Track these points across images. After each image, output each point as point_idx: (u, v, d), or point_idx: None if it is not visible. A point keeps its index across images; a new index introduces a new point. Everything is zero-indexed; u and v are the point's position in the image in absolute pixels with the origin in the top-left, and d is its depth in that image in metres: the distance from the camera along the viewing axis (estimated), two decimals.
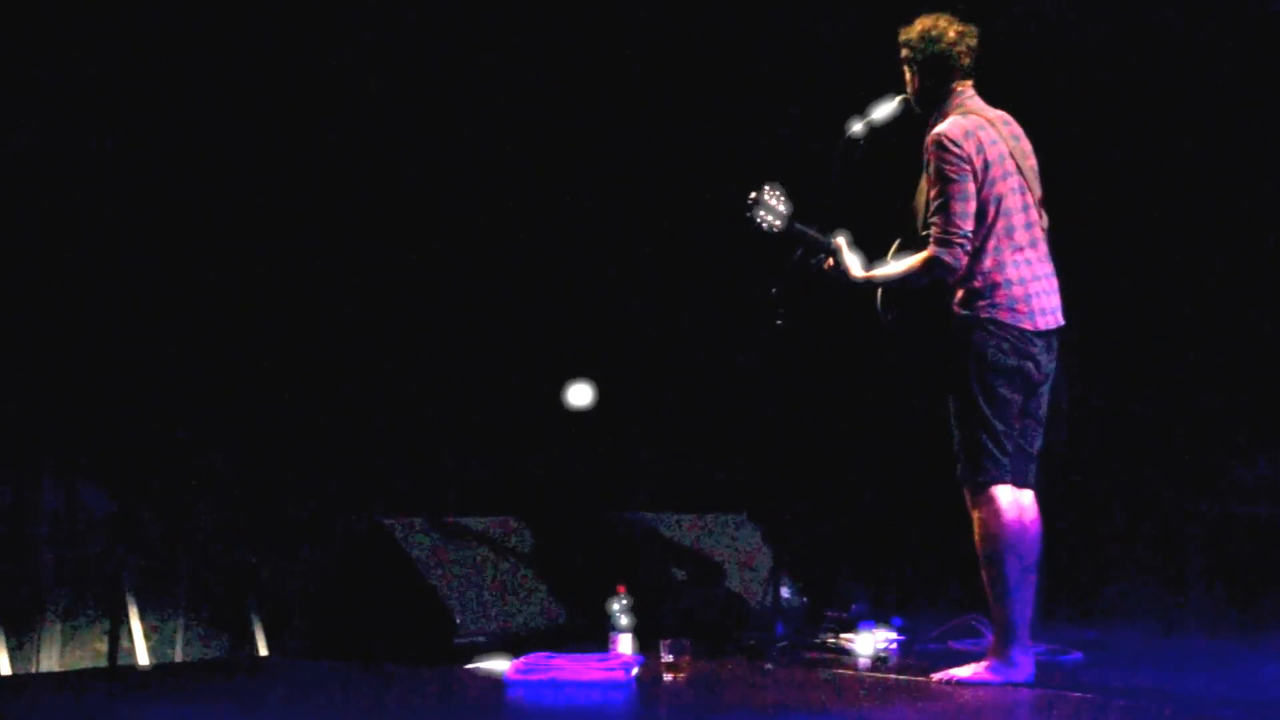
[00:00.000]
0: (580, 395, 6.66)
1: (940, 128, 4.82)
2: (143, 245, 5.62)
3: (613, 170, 6.98)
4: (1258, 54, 6.87)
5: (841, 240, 5.01)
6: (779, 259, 5.13)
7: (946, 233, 4.71)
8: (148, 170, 5.64)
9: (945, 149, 4.76)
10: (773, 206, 4.97)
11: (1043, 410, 4.86)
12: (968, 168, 4.74)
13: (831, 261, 5.00)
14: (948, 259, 4.71)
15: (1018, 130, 4.93)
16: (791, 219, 4.99)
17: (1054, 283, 4.86)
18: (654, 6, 6.96)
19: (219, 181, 5.80)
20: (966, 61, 4.92)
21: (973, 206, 4.74)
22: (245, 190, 5.86)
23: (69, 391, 5.43)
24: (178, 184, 5.72)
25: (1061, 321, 4.85)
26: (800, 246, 5.04)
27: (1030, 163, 4.91)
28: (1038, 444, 4.86)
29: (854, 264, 4.99)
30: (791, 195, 5.03)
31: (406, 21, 6.33)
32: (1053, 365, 4.85)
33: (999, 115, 4.92)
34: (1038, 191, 4.91)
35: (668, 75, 7.06)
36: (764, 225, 4.97)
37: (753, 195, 4.97)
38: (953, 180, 4.73)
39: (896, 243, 4.97)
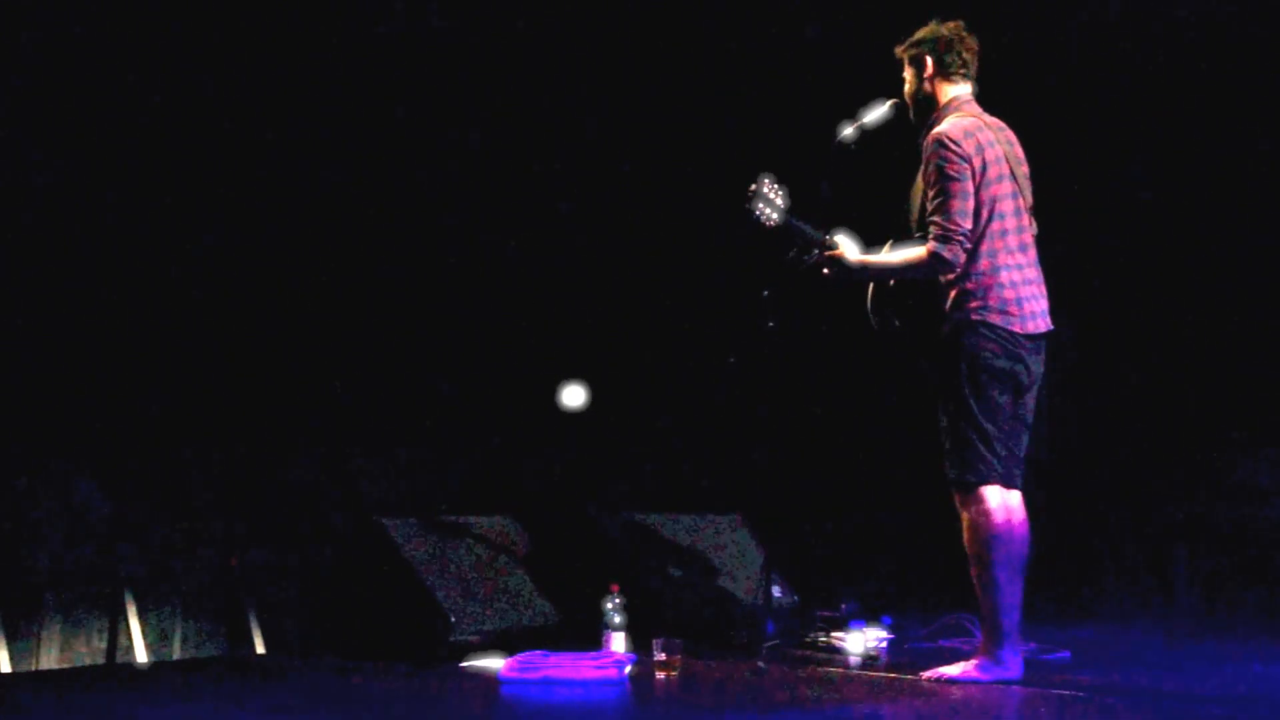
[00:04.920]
0: (574, 396, 6.70)
1: (940, 127, 4.86)
2: (143, 244, 5.64)
3: (606, 172, 7.01)
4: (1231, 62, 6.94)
5: (837, 238, 5.04)
6: (771, 261, 5.16)
7: (946, 230, 4.74)
8: (144, 166, 5.66)
9: (946, 147, 4.79)
10: (770, 199, 4.99)
11: (1029, 414, 4.91)
12: (967, 167, 4.78)
13: (826, 255, 5.01)
14: (947, 255, 4.75)
15: (1012, 137, 4.98)
16: (788, 213, 5.01)
17: (1044, 288, 4.91)
18: (648, 9, 7.00)
19: (216, 179, 5.82)
20: (970, 66, 4.99)
21: (972, 205, 4.77)
22: (244, 190, 5.88)
23: (68, 391, 5.44)
24: (175, 181, 5.74)
25: (1051, 326, 4.90)
26: (794, 244, 5.06)
27: (1023, 169, 4.96)
28: (1024, 447, 4.90)
29: (851, 249, 5.01)
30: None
31: (403, 20, 6.36)
32: (1041, 369, 4.89)
33: (995, 121, 4.97)
34: (1029, 198, 4.95)
35: (663, 77, 7.09)
36: (761, 218, 4.98)
37: (752, 187, 4.99)
38: (953, 179, 4.77)
39: (889, 243, 5.00)
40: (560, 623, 5.59)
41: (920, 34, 5.02)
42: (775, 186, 5.00)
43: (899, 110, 5.07)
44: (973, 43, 5.00)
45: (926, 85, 5.00)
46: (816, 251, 5.03)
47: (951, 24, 5.00)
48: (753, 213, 4.98)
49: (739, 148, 6.81)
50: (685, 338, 7.20)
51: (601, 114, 6.98)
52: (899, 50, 5.06)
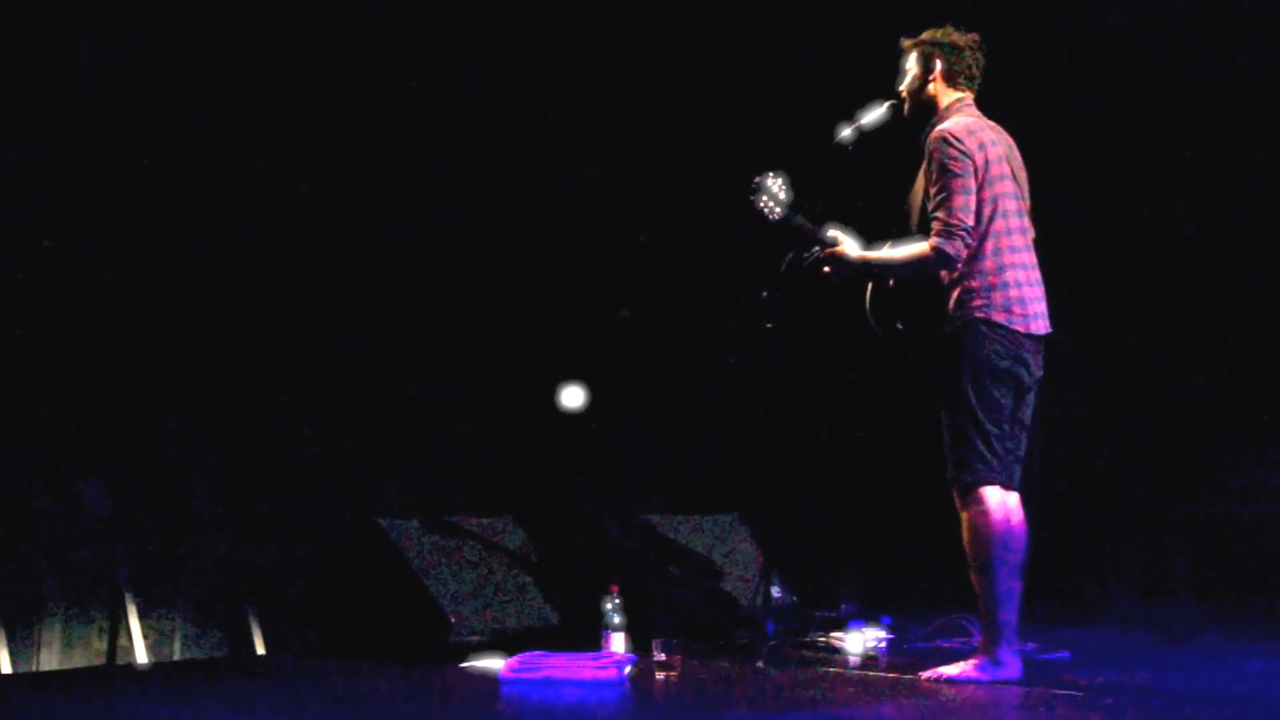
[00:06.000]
0: (573, 397, 6.70)
1: (943, 125, 4.86)
2: (141, 244, 5.65)
3: (606, 173, 7.02)
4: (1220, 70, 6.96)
5: (839, 234, 5.04)
6: (770, 262, 5.17)
7: (949, 225, 4.74)
8: (142, 165, 5.67)
9: (948, 143, 4.79)
10: (775, 194, 4.99)
11: (1028, 415, 4.91)
12: (970, 163, 4.77)
13: (827, 253, 5.01)
14: (950, 250, 4.74)
15: (1011, 141, 4.98)
16: (791, 208, 5.01)
17: (1043, 290, 4.92)
18: (648, 10, 7.00)
19: (215, 180, 5.83)
20: (976, 72, 5.00)
21: (974, 202, 4.77)
22: (244, 190, 5.89)
23: (68, 392, 5.45)
24: (174, 181, 5.75)
25: (1050, 328, 4.90)
26: (795, 240, 5.06)
27: (1022, 174, 4.96)
28: (1024, 448, 4.90)
29: (852, 246, 5.01)
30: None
31: (402, 20, 6.36)
32: (1041, 371, 4.90)
33: (994, 125, 4.97)
34: (1028, 202, 4.96)
35: (664, 76, 7.10)
36: (764, 210, 4.98)
37: (756, 180, 4.99)
38: (955, 174, 4.77)
39: (889, 244, 5.00)
40: (560, 623, 5.59)
41: (935, 34, 5.01)
42: (779, 181, 5.00)
43: (897, 111, 5.07)
44: (980, 55, 5.01)
45: (930, 87, 4.99)
46: (817, 249, 5.03)
47: (969, 35, 5.00)
48: (755, 206, 4.98)
49: (739, 148, 6.82)
50: (685, 338, 7.20)
51: (602, 113, 6.98)
52: (907, 42, 5.05)
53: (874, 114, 5.08)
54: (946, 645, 5.57)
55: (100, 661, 5.41)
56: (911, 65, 5.04)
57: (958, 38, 5.00)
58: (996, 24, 5.27)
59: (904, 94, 5.05)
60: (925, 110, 5.00)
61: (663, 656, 4.84)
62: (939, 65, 4.98)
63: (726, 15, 7.11)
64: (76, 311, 5.49)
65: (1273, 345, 7.00)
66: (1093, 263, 7.04)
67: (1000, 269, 4.80)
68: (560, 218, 6.90)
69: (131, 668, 5.34)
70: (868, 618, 5.70)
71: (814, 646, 5.58)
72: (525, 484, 6.61)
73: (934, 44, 5.00)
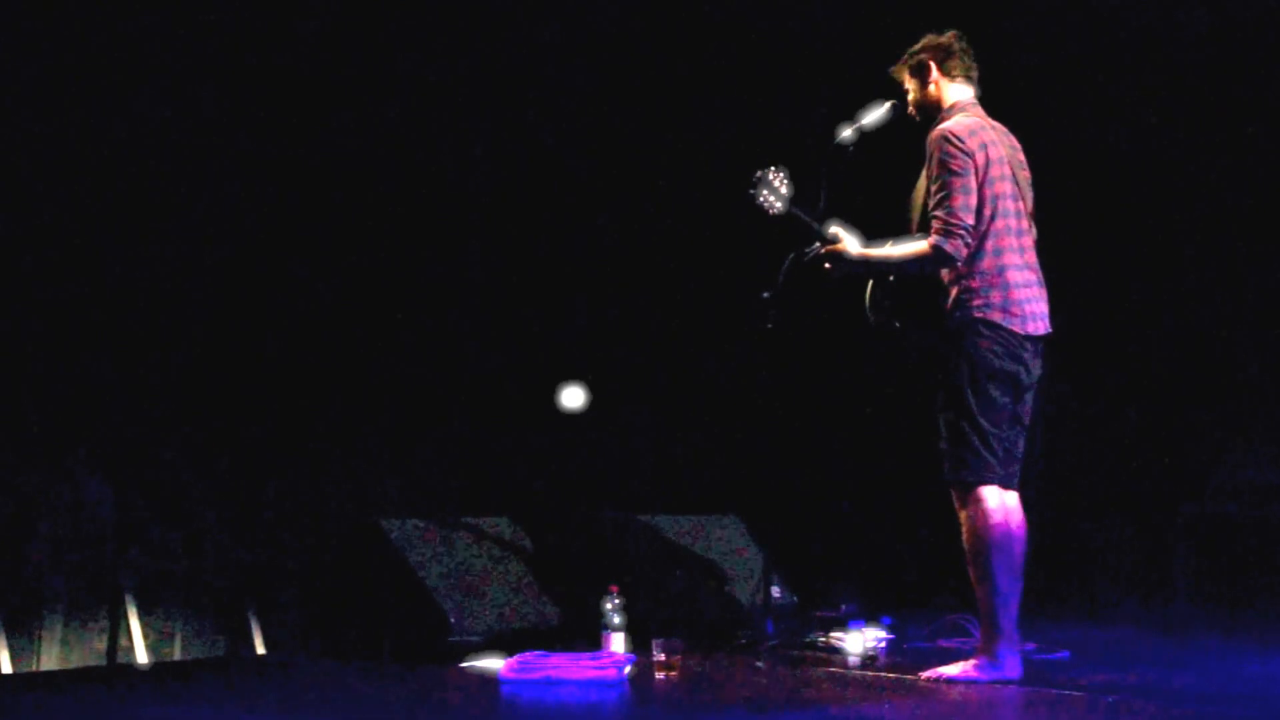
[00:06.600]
0: (573, 397, 6.71)
1: (945, 124, 4.87)
2: (143, 245, 5.65)
3: (606, 173, 7.02)
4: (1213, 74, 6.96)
5: (837, 229, 5.04)
6: (772, 262, 5.17)
7: (948, 224, 4.74)
8: (141, 163, 5.67)
9: (949, 142, 4.80)
10: (775, 188, 4.98)
11: (1027, 416, 4.91)
12: (970, 162, 4.78)
13: (827, 249, 5.01)
14: (949, 249, 4.74)
15: (1015, 142, 4.99)
16: (792, 202, 5.01)
17: (1044, 291, 4.92)
18: (650, 10, 7.01)
19: (215, 179, 5.84)
20: (973, 70, 5.01)
21: (974, 201, 4.77)
22: (244, 191, 5.89)
23: (70, 391, 5.46)
24: (176, 180, 5.76)
25: (1050, 329, 4.90)
26: (794, 237, 5.05)
27: (1024, 174, 4.97)
28: (1022, 447, 4.91)
29: (852, 243, 5.01)
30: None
31: (403, 21, 6.36)
32: (1039, 371, 4.90)
33: (998, 125, 4.98)
34: (1030, 203, 4.96)
35: (664, 77, 7.10)
36: (764, 204, 4.98)
37: (757, 174, 4.99)
38: (956, 173, 4.77)
39: (890, 243, 4.99)
40: (560, 623, 5.59)
41: (915, 46, 5.04)
42: (781, 176, 5.00)
43: (898, 112, 5.08)
44: (970, 49, 5.02)
45: (931, 89, 5.01)
46: (817, 244, 5.02)
47: (947, 33, 5.02)
48: (756, 199, 4.98)
49: (740, 147, 6.82)
50: (684, 338, 7.20)
51: (602, 112, 6.98)
52: (895, 69, 5.08)
53: (874, 114, 5.09)
54: (946, 645, 5.57)
55: (101, 661, 5.41)
56: (909, 80, 5.06)
57: (937, 38, 5.02)
58: (997, 24, 5.28)
59: (913, 109, 5.07)
60: (933, 113, 5.01)
61: (662, 657, 4.84)
62: (933, 66, 5.00)
63: (727, 14, 7.11)
64: (80, 312, 5.49)
65: (1272, 345, 7.00)
66: (1093, 263, 7.04)
67: (1000, 269, 4.80)
68: (560, 217, 6.90)
69: (131, 668, 5.34)
70: (868, 618, 5.70)
71: (814, 646, 5.57)
72: (525, 484, 6.61)
73: (920, 52, 5.03)
